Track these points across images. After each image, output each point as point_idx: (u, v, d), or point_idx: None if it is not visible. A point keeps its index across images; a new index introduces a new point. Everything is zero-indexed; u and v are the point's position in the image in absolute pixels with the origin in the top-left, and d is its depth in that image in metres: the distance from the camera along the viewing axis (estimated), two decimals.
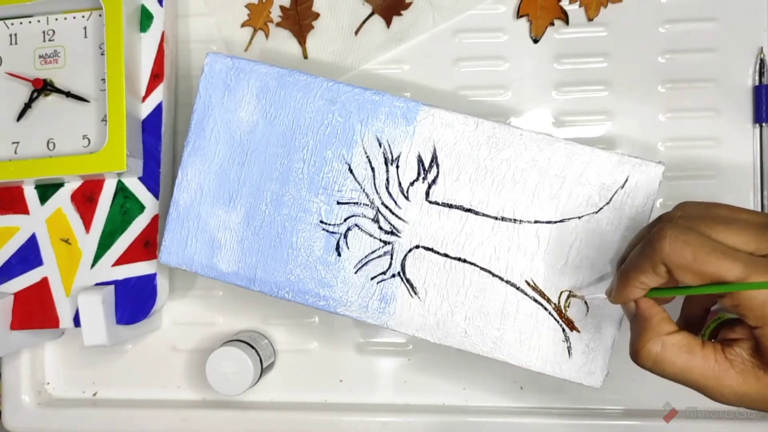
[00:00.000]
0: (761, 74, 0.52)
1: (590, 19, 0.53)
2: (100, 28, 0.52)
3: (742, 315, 0.31)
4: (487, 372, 0.54)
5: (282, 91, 0.46)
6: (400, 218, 0.45)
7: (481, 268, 0.44)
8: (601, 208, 0.43)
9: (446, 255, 0.44)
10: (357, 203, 0.45)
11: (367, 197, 0.45)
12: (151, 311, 0.51)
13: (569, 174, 0.43)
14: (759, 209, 0.52)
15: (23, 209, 0.53)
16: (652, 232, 0.32)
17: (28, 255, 0.52)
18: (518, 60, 0.54)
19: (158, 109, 0.52)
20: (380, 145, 0.45)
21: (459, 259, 0.44)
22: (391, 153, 0.45)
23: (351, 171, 0.45)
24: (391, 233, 0.45)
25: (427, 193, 0.45)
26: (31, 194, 0.53)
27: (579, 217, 0.43)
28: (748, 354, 0.31)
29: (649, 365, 0.33)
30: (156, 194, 0.51)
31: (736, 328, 0.32)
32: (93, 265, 0.52)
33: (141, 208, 0.51)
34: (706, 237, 0.31)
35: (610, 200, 0.43)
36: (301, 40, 0.56)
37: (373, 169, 0.45)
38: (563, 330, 0.43)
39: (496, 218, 0.44)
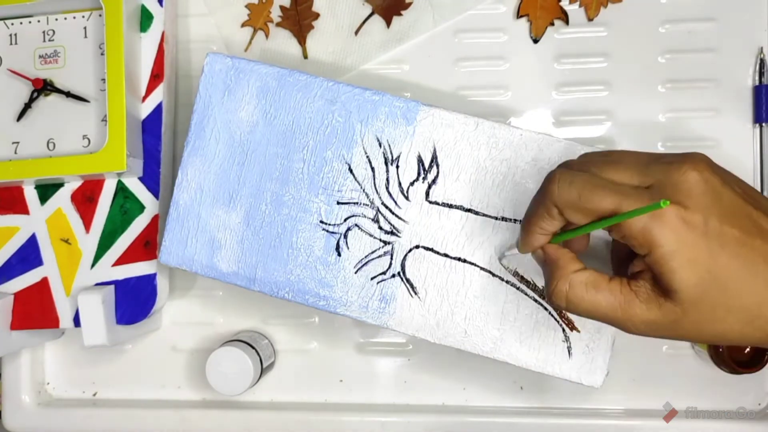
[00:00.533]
0: (761, 74, 0.52)
1: (590, 19, 0.53)
2: (100, 28, 0.52)
3: (632, 245, 0.31)
4: (487, 372, 0.54)
5: (282, 91, 0.46)
6: (400, 218, 0.45)
7: (481, 268, 0.44)
8: None
9: (446, 255, 0.44)
10: (357, 203, 0.45)
11: (367, 197, 0.45)
12: (151, 311, 0.51)
13: None
14: None
15: (23, 209, 0.53)
16: (544, 179, 0.34)
17: (28, 255, 0.52)
18: (518, 60, 0.54)
19: (158, 109, 0.52)
20: (380, 145, 0.45)
21: (459, 259, 0.44)
22: (391, 153, 0.45)
23: (351, 171, 0.45)
24: (391, 233, 0.45)
25: (427, 193, 0.45)
26: (31, 194, 0.53)
27: None
28: (650, 285, 0.32)
29: (563, 305, 0.34)
30: (156, 194, 0.51)
31: (637, 261, 0.33)
32: (93, 265, 0.52)
33: (141, 208, 0.51)
34: (592, 175, 0.32)
35: None
36: (301, 40, 0.56)
37: (373, 169, 0.45)
38: (563, 330, 0.43)
39: (496, 218, 0.44)
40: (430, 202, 0.45)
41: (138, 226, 0.51)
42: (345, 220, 0.45)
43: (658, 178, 0.31)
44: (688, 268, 0.30)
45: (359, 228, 0.45)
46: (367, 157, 0.45)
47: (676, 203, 0.30)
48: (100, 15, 0.52)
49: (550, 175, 0.33)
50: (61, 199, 0.52)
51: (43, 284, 0.52)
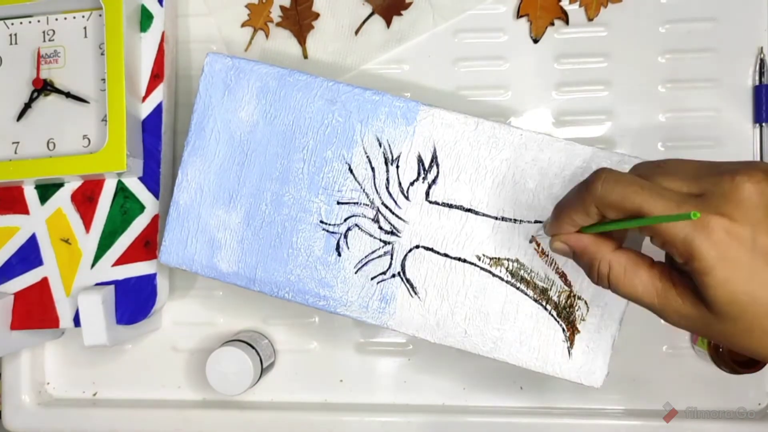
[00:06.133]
0: (761, 74, 0.52)
1: (590, 19, 0.53)
2: (100, 28, 0.52)
3: (671, 253, 0.30)
4: (487, 372, 0.54)
5: (282, 91, 0.46)
6: (400, 218, 0.45)
7: (481, 268, 0.44)
8: None
9: (446, 255, 0.44)
10: (357, 203, 0.45)
11: (367, 197, 0.45)
12: (151, 311, 0.51)
13: (569, 174, 0.43)
14: None
15: (23, 209, 0.53)
16: (590, 175, 0.32)
17: (28, 255, 0.52)
18: (518, 60, 0.54)
19: (158, 109, 0.52)
20: (380, 145, 0.45)
21: (459, 259, 0.44)
22: (391, 153, 0.45)
23: (351, 171, 0.45)
24: (391, 233, 0.45)
25: (427, 193, 0.45)
26: (31, 194, 0.53)
27: None
28: (692, 282, 0.30)
29: (607, 286, 0.33)
30: (156, 194, 0.51)
31: None
32: (93, 265, 0.52)
33: (141, 208, 0.51)
34: (640, 179, 0.31)
35: None
36: (301, 40, 0.56)
37: (373, 169, 0.45)
38: (563, 330, 0.43)
39: (496, 218, 0.44)
40: (430, 202, 0.45)
41: (138, 226, 0.51)
42: (345, 220, 0.45)
43: (708, 187, 0.29)
44: (723, 286, 0.28)
45: (359, 228, 0.45)
46: (367, 157, 0.45)
47: (724, 215, 0.28)
48: (100, 15, 0.52)
49: (595, 173, 0.32)
50: (61, 199, 0.52)
51: (43, 284, 0.52)
